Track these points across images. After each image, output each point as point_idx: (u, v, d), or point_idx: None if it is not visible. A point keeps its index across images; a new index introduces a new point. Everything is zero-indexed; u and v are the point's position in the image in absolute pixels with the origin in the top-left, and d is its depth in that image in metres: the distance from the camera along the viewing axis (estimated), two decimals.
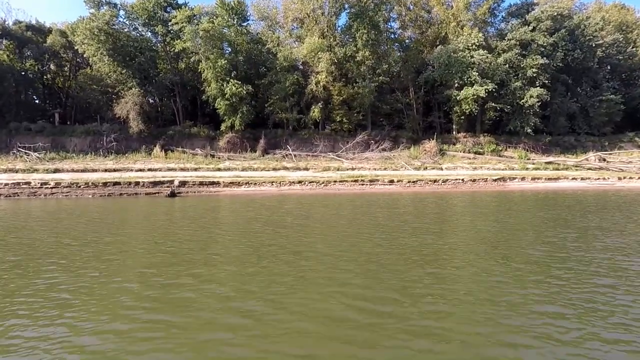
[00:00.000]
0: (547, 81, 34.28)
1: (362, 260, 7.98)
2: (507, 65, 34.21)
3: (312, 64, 33.85)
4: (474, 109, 33.44)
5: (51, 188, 20.63)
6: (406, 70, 36.92)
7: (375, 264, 7.65)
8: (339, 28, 36.56)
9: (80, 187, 21.01)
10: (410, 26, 40.23)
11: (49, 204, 17.41)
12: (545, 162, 31.74)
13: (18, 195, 19.53)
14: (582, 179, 27.47)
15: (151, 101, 38.41)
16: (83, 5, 32.79)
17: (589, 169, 31.04)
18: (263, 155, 30.87)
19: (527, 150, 34.57)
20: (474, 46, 33.49)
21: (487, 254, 8.34)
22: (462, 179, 25.27)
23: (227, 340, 4.75)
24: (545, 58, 33.78)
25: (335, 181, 23.66)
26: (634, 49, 39.61)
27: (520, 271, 7.16)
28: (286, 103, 33.25)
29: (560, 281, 6.60)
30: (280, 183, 22.99)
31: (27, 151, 26.92)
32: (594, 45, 36.09)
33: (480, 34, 33.84)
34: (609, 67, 39.94)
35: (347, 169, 27.99)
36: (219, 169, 26.46)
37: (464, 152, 33.43)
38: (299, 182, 23.24)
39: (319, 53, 32.57)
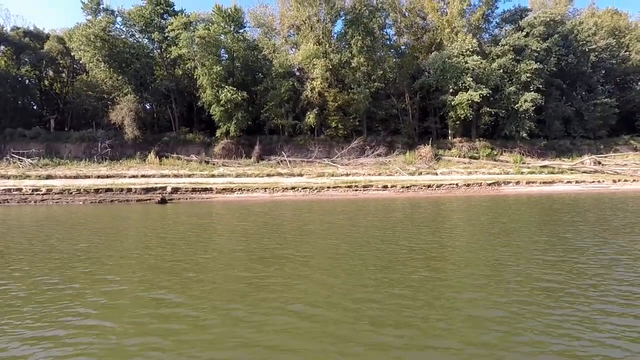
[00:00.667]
0: (541, 86, 34.41)
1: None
2: (501, 71, 34.36)
3: (307, 70, 34.00)
4: (469, 114, 33.51)
5: (42, 194, 20.59)
6: (402, 76, 37.06)
7: (334, 271, 7.58)
8: (335, 35, 36.85)
9: (71, 193, 20.97)
10: (406, 32, 40.48)
11: (36, 211, 17.32)
12: (541, 166, 31.69)
13: (8, 202, 19.48)
14: (576, 182, 27.42)
15: (148, 107, 38.61)
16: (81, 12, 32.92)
17: (584, 172, 31.00)
18: (258, 162, 30.85)
19: (523, 154, 34.57)
20: (468, 52, 33.68)
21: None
22: (457, 184, 25.23)
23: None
24: (539, 63, 33.96)
25: (328, 187, 23.61)
26: (627, 53, 39.84)
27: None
28: (282, 109, 33.33)
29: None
30: (273, 189, 22.92)
31: (20, 157, 26.91)
32: (587, 50, 36.31)
33: (475, 40, 34.06)
34: (603, 71, 40.11)
35: (342, 175, 27.94)
36: (213, 176, 26.43)
37: (459, 157, 33.42)
38: (292, 188, 23.19)
39: (314, 59, 32.75)
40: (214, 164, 29.83)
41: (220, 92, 30.74)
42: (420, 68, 37.53)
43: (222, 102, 30.61)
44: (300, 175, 27.76)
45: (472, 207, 17.32)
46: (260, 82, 34.48)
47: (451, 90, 34.08)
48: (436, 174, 29.41)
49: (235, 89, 31.06)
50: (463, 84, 33.16)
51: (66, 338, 4.86)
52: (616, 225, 11.89)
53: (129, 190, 21.87)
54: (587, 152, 35.92)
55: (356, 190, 23.56)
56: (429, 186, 24.62)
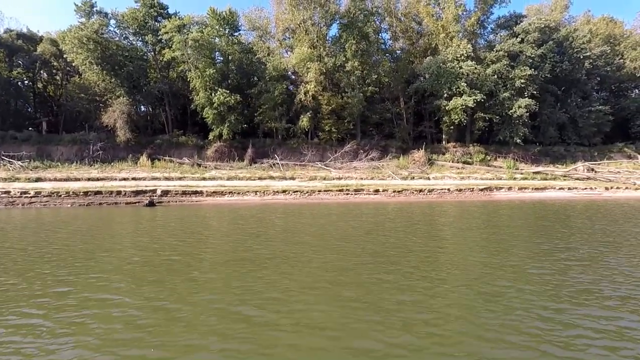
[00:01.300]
0: (535, 92, 34.47)
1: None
2: (495, 76, 34.44)
3: (301, 73, 33.98)
4: (462, 119, 33.53)
5: (30, 197, 20.39)
6: (396, 80, 37.12)
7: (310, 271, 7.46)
8: (330, 39, 36.90)
9: (60, 196, 20.77)
10: (401, 37, 40.57)
11: (19, 214, 17.14)
12: (534, 172, 31.70)
13: None
14: (569, 188, 27.39)
15: (143, 109, 38.53)
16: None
17: (577, 179, 31.01)
18: (251, 165, 30.74)
19: (517, 160, 34.58)
20: (462, 57, 33.74)
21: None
22: (448, 189, 25.16)
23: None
24: (533, 69, 34.03)
25: (319, 191, 23.49)
26: (622, 60, 40.00)
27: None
28: (275, 112, 33.26)
29: None
30: (264, 192, 22.79)
31: (10, 160, 26.69)
32: (581, 57, 36.42)
33: (469, 45, 34.10)
34: (598, 79, 40.22)
35: (334, 179, 27.83)
36: (204, 178, 26.27)
37: (452, 161, 33.38)
38: (283, 191, 23.06)
39: (308, 63, 32.72)
40: (206, 167, 29.68)
41: (213, 94, 30.67)
42: (415, 72, 37.59)
43: (215, 105, 30.53)
44: (293, 178, 27.63)
45: (460, 213, 17.22)
46: (254, 85, 34.46)
47: (445, 95, 34.08)
48: (429, 178, 29.33)
49: (228, 92, 31.00)
50: (457, 89, 33.19)
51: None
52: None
53: (119, 193, 21.70)
54: (581, 159, 35.95)
55: (347, 194, 23.45)
56: (420, 191, 24.54)
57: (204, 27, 32.93)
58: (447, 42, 35.66)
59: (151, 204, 19.35)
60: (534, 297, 6.35)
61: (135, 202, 20.43)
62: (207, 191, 22.38)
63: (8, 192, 20.79)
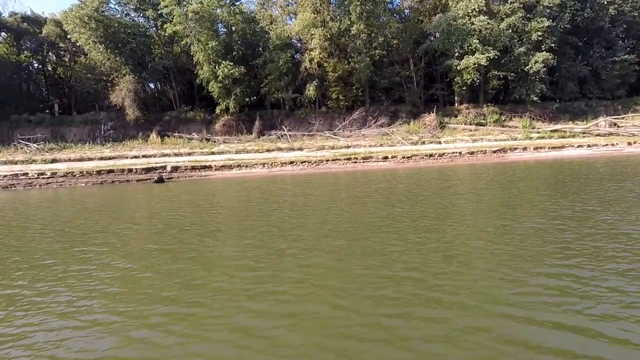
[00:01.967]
0: (554, 45, 32.44)
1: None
2: (510, 30, 32.46)
3: (305, 40, 32.98)
4: (475, 79, 32.14)
5: (47, 178, 21.11)
6: (405, 41, 35.56)
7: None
8: (334, 2, 35.35)
9: (75, 176, 21.45)
10: None
11: (37, 195, 17.79)
12: (551, 130, 30.50)
13: (15, 187, 20.04)
14: (588, 146, 26.38)
15: (152, 87, 38.62)
16: None
17: (598, 135, 29.68)
18: (259, 137, 30.69)
19: (534, 119, 33.19)
20: (474, 12, 31.82)
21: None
22: (460, 152, 24.63)
23: None
24: (551, 20, 31.90)
25: (327, 160, 23.40)
26: None
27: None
28: (281, 82, 32.63)
29: None
30: (271, 164, 22.88)
31: (27, 143, 27.49)
32: (605, 2, 33.79)
33: None
34: (624, 26, 37.33)
35: (342, 147, 27.58)
36: (213, 153, 26.48)
37: (465, 124, 32.38)
38: (291, 162, 23.07)
39: (312, 29, 31.65)
40: (214, 142, 29.84)
41: (217, 68, 30.26)
42: (425, 32, 35.87)
43: (219, 78, 30.19)
44: (301, 149, 27.53)
45: (465, 176, 16.85)
46: (259, 55, 33.76)
47: (457, 54, 32.51)
48: (440, 142, 28.69)
49: (232, 64, 30.49)
50: (469, 47, 31.57)
51: None
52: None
53: (130, 170, 22.23)
54: (604, 113, 34.25)
55: (355, 162, 23.27)
56: (430, 155, 24.11)
57: None
58: None
59: (160, 180, 19.71)
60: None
61: (146, 179, 20.86)
62: (215, 165, 22.62)
63: (26, 174, 21.59)
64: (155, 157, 25.68)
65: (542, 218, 8.33)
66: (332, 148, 27.30)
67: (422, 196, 11.93)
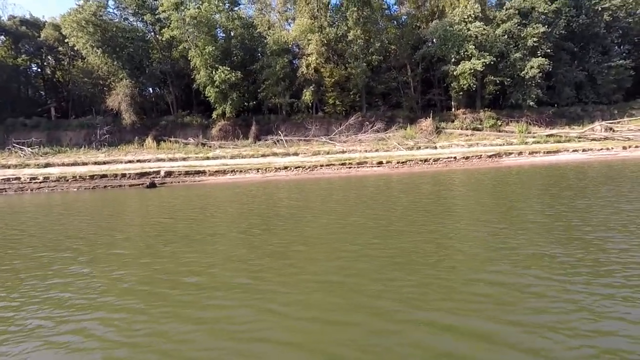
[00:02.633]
0: (549, 50, 32.58)
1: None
2: (506, 36, 32.63)
3: (302, 46, 33.09)
4: (472, 84, 32.18)
5: (39, 183, 21.06)
6: (402, 47, 35.65)
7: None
8: (332, 8, 35.52)
9: (67, 180, 21.38)
10: (407, 1, 38.66)
11: (28, 199, 17.72)
12: (547, 135, 30.52)
13: (6, 191, 19.96)
14: (583, 150, 26.35)
15: (150, 91, 38.67)
16: None
17: (594, 139, 29.71)
18: (255, 142, 30.66)
19: (530, 124, 33.21)
20: (470, 18, 32.03)
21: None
22: (455, 157, 24.58)
23: None
24: (546, 26, 32.08)
25: (322, 165, 23.35)
26: None
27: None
28: (278, 87, 32.65)
29: None
30: (266, 170, 22.81)
31: (21, 147, 27.44)
32: (600, 9, 33.94)
33: (477, 5, 32.20)
34: (620, 31, 37.53)
35: (338, 152, 27.57)
36: (208, 158, 26.47)
37: (462, 129, 32.38)
38: (285, 168, 23.02)
39: (309, 34, 31.77)
40: (210, 146, 29.82)
41: (214, 73, 30.32)
42: (422, 38, 35.98)
43: (216, 83, 30.24)
44: (296, 154, 27.50)
45: (453, 182, 16.80)
46: (258, 60, 33.86)
47: (453, 60, 32.62)
48: (435, 147, 28.67)
49: (229, 69, 30.57)
50: (465, 53, 31.69)
51: None
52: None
53: (123, 175, 22.16)
54: (600, 118, 34.23)
55: (350, 167, 23.22)
56: (425, 160, 24.06)
57: (201, 2, 32.19)
58: (455, 3, 33.84)
59: (152, 185, 19.66)
60: None
61: (139, 184, 20.83)
62: (209, 170, 22.57)
63: (18, 179, 21.54)
64: (150, 162, 25.62)
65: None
66: (328, 153, 27.27)
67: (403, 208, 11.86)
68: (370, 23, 33.28)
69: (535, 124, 33.47)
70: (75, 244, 8.58)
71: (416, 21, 37.41)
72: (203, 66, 30.84)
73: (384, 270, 5.93)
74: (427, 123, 31.99)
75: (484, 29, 31.61)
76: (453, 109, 36.09)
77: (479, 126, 32.73)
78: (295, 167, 22.97)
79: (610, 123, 32.09)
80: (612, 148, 26.36)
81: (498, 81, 33.05)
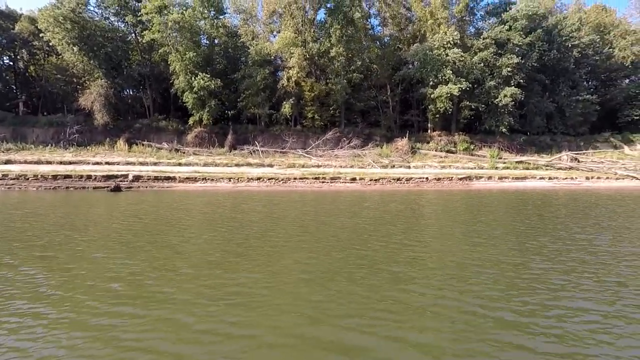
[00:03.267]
0: (522, 80, 34.00)
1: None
2: (482, 64, 33.87)
3: (284, 59, 33.31)
4: (448, 107, 33.10)
5: None
6: (383, 67, 36.46)
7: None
8: (317, 24, 36.03)
9: (28, 179, 20.44)
10: (390, 23, 39.73)
11: None
12: (517, 162, 31.55)
13: None
14: (549, 178, 27.31)
15: (126, 92, 37.78)
16: None
17: (560, 168, 30.90)
18: (230, 151, 30.34)
19: (502, 150, 34.35)
20: (449, 44, 33.12)
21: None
22: (427, 178, 24.97)
23: None
24: (520, 57, 33.52)
25: (295, 178, 23.24)
26: (611, 49, 39.41)
27: None
28: (258, 98, 32.61)
29: None
30: (238, 180, 22.50)
31: None
32: (570, 45, 35.86)
33: (456, 32, 33.42)
34: (588, 68, 39.77)
35: (313, 166, 27.57)
36: (180, 164, 25.94)
37: (436, 150, 33.10)
38: (258, 178, 22.78)
39: (292, 48, 32.04)
40: (184, 153, 29.30)
41: (193, 79, 30.03)
42: (403, 60, 36.98)
43: (195, 89, 29.93)
44: (271, 165, 27.34)
45: (424, 202, 17.02)
46: (239, 70, 33.79)
47: (431, 83, 33.56)
48: (409, 167, 29.11)
49: (209, 76, 30.38)
50: (443, 77, 32.67)
51: None
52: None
53: (89, 177, 21.35)
54: (567, 148, 35.78)
55: (323, 182, 23.20)
56: (398, 179, 24.34)
57: (186, 9, 32.04)
58: (435, 29, 34.99)
59: (117, 189, 19.00)
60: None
61: (104, 187, 20.08)
62: (179, 177, 22.07)
63: None
64: (119, 164, 24.86)
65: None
66: (303, 166, 27.24)
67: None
68: (353, 41, 33.91)
69: (507, 150, 34.63)
70: None
71: (398, 43, 38.44)
72: (182, 71, 30.54)
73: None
74: (402, 143, 32.54)
75: (462, 56, 32.73)
76: (429, 131, 36.93)
77: (453, 149, 33.53)
78: (268, 179, 22.76)
79: (576, 154, 33.52)
80: (576, 178, 27.45)
81: (473, 106, 34.14)
